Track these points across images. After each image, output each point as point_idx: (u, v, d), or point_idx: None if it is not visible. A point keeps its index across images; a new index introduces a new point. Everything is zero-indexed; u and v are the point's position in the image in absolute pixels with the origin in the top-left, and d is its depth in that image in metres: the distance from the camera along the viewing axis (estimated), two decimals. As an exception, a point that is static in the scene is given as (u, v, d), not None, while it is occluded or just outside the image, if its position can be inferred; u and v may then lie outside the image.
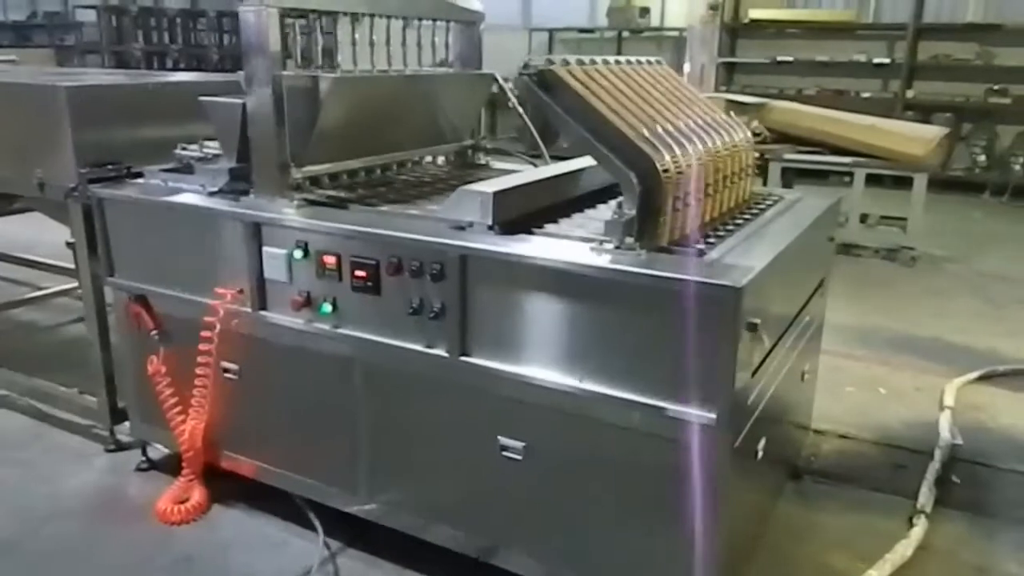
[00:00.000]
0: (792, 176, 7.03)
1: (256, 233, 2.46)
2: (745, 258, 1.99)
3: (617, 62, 2.49)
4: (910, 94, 10.03)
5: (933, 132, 6.26)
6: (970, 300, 5.63)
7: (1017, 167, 9.58)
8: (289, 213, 2.44)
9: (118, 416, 3.18)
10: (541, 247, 2.07)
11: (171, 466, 3.00)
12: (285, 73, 2.45)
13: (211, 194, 2.64)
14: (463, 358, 2.18)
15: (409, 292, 2.22)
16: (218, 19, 13.35)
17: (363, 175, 2.92)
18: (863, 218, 6.74)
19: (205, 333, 2.58)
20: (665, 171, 2.04)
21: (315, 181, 2.72)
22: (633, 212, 2.03)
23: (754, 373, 2.03)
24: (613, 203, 2.59)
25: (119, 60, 13.72)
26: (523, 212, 2.30)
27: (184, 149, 2.91)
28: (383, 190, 2.79)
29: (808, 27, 10.56)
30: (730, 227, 2.29)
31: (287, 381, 2.58)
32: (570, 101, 2.10)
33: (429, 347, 2.24)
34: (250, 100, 2.46)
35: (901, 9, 10.12)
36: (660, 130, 2.17)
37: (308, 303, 2.41)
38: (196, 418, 2.76)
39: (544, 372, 2.08)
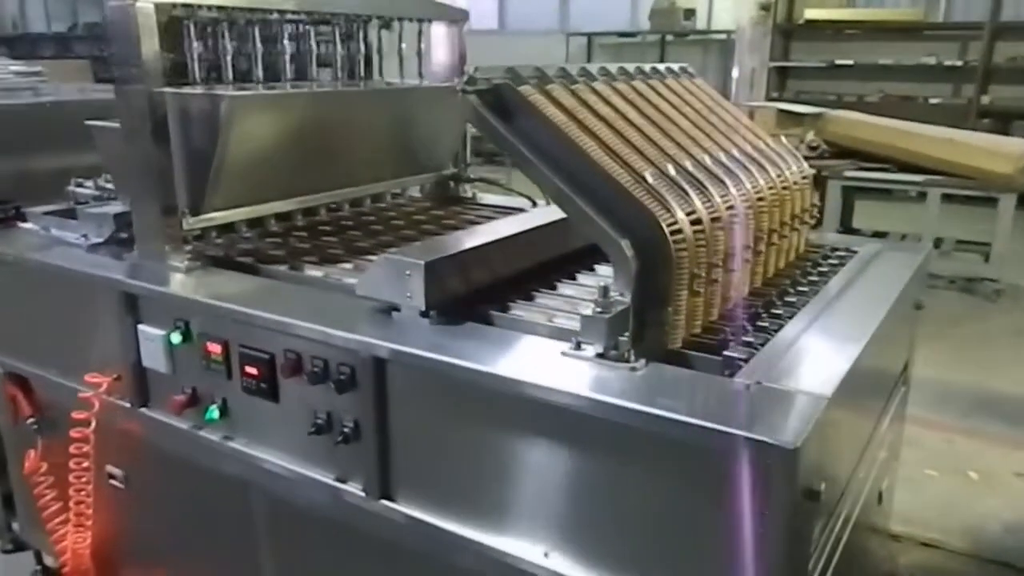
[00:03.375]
0: (852, 194, 6.22)
1: (131, 305, 1.83)
2: (801, 374, 1.28)
3: (623, 72, 1.79)
4: (985, 100, 9.06)
5: (1022, 147, 5.39)
6: (1071, 346, 4.76)
7: (1109, 181, 8.53)
8: (175, 279, 1.81)
9: (14, 510, 2.59)
10: (489, 349, 1.39)
11: None
12: (169, 91, 1.82)
13: (92, 247, 2.03)
14: (384, 502, 1.51)
15: (312, 402, 1.56)
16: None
17: (300, 219, 2.28)
18: (937, 243, 5.88)
19: (76, 431, 1.96)
20: (676, 232, 1.35)
21: (228, 230, 2.09)
22: (627, 299, 1.34)
23: (815, 549, 1.32)
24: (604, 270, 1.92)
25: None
26: (480, 284, 1.63)
27: (80, 186, 2.31)
28: (328, 239, 2.14)
29: (870, 27, 9.65)
30: (778, 310, 1.58)
31: (179, 497, 1.95)
32: (536, 132, 1.42)
33: (340, 480, 1.57)
34: (123, 125, 1.83)
35: (975, 6, 9.16)
36: (672, 171, 1.47)
37: (193, 403, 1.77)
38: (79, 532, 2.15)
39: (497, 536, 1.40)
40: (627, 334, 1.33)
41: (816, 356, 1.38)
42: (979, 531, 2.85)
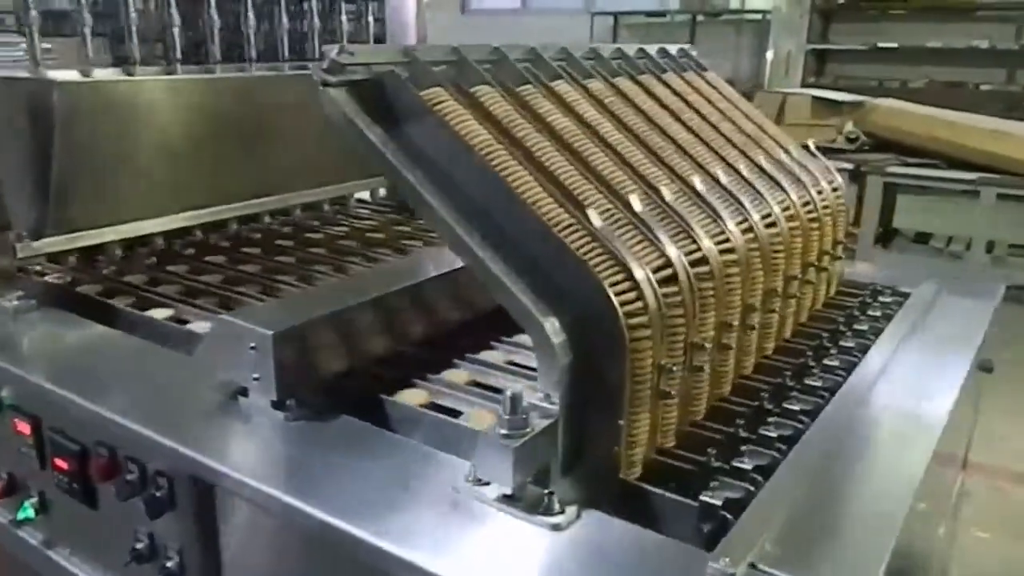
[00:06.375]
0: (894, 191, 5.63)
1: (-63, 359, 1.40)
2: (824, 545, 0.80)
3: (593, 56, 1.31)
4: (1042, 87, 8.36)
5: (1089, 141, 4.78)
6: None
7: None
8: (-4, 324, 1.37)
9: None
10: (358, 468, 0.93)
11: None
12: (-13, 76, 1.38)
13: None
14: (221, 666, 1.07)
15: (131, 517, 1.12)
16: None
17: (199, 235, 1.84)
18: (989, 247, 5.30)
19: None
20: (628, 304, 0.88)
21: (96, 252, 1.65)
22: (555, 409, 0.87)
23: None
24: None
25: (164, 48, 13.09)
26: (375, 352, 1.17)
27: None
28: (245, 269, 1.67)
29: (917, 8, 8.93)
30: (792, 403, 1.09)
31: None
32: (430, 147, 0.95)
33: (170, 624, 1.14)
34: (-71, 123, 1.40)
35: (1034, -15, 8.43)
36: (640, 206, 0.99)
37: (10, 492, 1.34)
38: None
39: None
40: (556, 461, 0.86)
41: (847, 505, 0.90)
42: (1044, 619, 2.35)
